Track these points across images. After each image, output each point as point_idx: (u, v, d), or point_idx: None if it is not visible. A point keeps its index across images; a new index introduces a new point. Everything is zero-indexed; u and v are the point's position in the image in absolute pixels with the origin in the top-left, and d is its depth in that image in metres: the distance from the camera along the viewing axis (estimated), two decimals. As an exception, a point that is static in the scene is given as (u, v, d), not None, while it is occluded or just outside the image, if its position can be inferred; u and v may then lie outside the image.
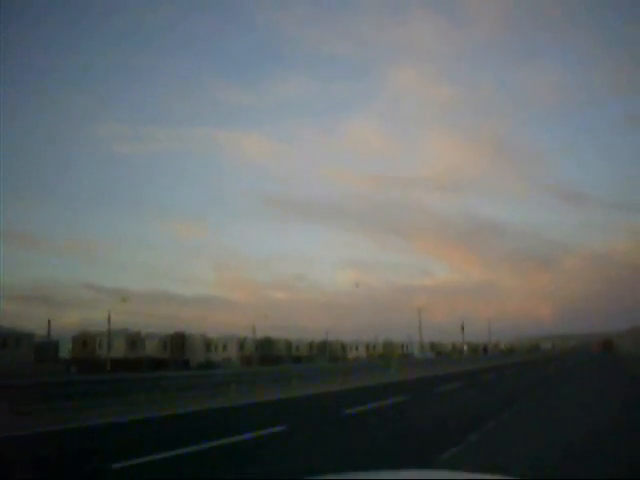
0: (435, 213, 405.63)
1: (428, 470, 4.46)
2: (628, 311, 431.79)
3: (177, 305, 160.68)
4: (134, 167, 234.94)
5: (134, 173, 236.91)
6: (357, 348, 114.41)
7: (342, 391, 25.90)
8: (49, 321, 76.16)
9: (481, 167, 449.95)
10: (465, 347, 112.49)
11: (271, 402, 21.04)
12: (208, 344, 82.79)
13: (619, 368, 44.55)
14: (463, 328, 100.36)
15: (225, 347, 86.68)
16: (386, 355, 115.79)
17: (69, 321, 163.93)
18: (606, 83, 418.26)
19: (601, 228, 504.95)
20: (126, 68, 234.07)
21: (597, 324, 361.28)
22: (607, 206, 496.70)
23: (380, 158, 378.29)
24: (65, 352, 75.73)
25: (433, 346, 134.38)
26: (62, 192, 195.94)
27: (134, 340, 73.92)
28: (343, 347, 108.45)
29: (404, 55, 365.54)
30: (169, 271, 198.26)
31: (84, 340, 76.15)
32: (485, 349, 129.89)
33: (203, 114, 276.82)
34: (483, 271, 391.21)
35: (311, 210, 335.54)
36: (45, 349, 68.43)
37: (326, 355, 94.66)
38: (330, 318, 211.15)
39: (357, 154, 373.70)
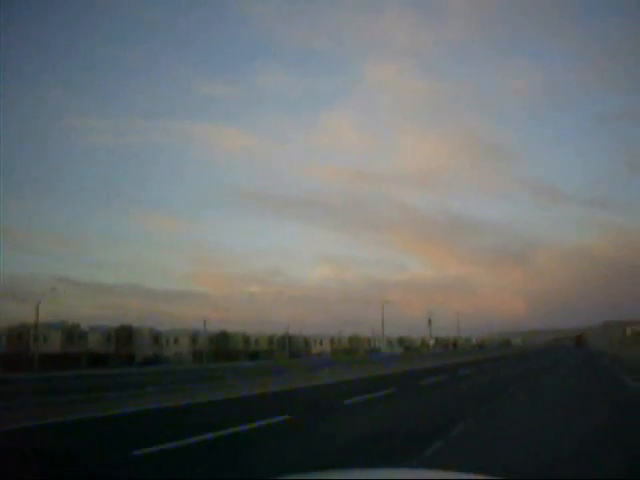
0: (411, 208, 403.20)
1: (398, 469, 3.99)
2: (600, 307, 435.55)
3: (151, 299, 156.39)
4: (110, 160, 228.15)
5: (110, 166, 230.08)
6: (321, 343, 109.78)
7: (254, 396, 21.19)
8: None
9: (457, 163, 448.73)
10: (432, 342, 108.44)
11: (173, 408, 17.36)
12: (157, 338, 77.24)
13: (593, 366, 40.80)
14: (430, 322, 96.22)
15: (177, 341, 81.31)
16: (352, 350, 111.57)
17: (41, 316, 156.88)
18: (580, 81, 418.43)
19: (574, 224, 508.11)
20: (100, 60, 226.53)
21: (569, 320, 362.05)
22: (580, 203, 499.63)
23: (357, 153, 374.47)
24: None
25: (402, 341, 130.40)
26: (35, 185, 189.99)
27: (71, 333, 68.14)
28: (306, 342, 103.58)
29: (381, 50, 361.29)
30: (144, 265, 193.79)
31: (19, 333, 70.16)
32: (454, 344, 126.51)
33: (179, 107, 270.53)
34: (457, 266, 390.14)
35: (288, 204, 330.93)
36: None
37: (286, 350, 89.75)
38: (304, 312, 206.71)
39: (334, 149, 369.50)
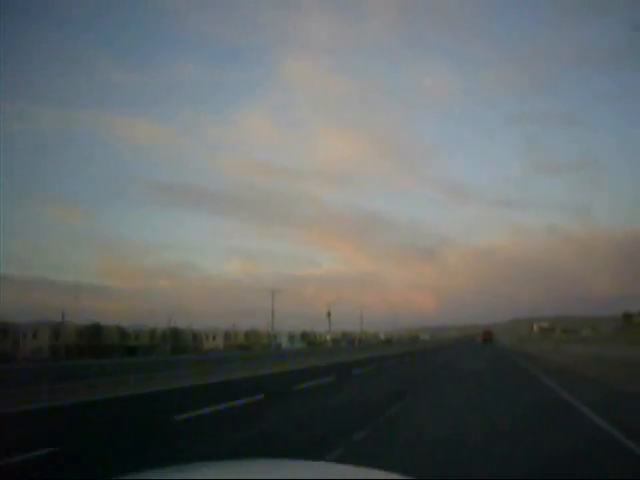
0: (324, 204, 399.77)
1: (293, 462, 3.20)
2: (508, 303, 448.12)
3: (57, 292, 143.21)
4: (11, 147, 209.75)
5: (10, 153, 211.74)
6: (214, 337, 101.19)
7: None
8: None
9: (371, 161, 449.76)
10: (328, 337, 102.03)
11: None
12: (4, 331, 66.36)
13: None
14: (330, 315, 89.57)
15: (35, 335, 70.62)
16: (248, 345, 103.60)
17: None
18: (492, 84, 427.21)
19: (482, 223, 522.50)
20: (6, 43, 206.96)
21: (478, 316, 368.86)
22: (488, 202, 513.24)
23: (271, 148, 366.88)
24: None
25: (305, 336, 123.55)
26: None
27: None
28: (195, 336, 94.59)
29: (299, 46, 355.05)
30: (50, 257, 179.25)
31: None
32: (359, 340, 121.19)
33: (88, 95, 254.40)
34: (369, 262, 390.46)
35: (199, 197, 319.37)
36: None
37: (167, 345, 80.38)
38: (211, 306, 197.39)
39: (248, 143, 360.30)
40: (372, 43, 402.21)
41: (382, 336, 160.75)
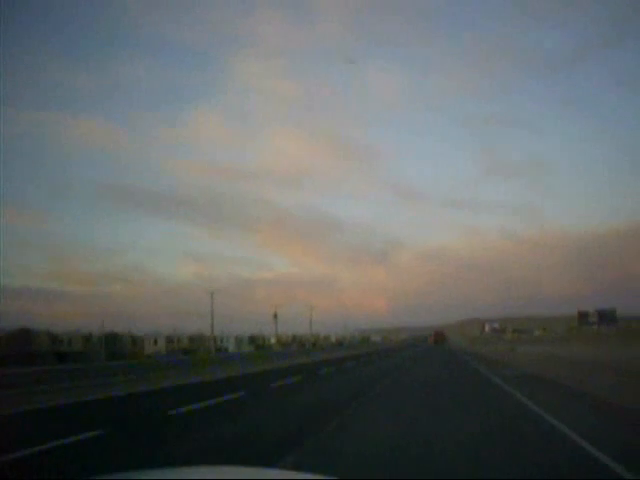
0: (277, 207, 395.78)
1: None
2: (459, 304, 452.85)
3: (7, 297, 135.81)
4: None
5: None
6: (156, 342, 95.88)
7: None
8: None
9: (323, 163, 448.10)
10: (273, 340, 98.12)
11: None
12: None
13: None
14: (276, 316, 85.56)
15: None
16: (192, 349, 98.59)
17: None
18: (446, 86, 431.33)
19: (435, 225, 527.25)
20: None
21: (430, 317, 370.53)
22: (441, 204, 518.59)
23: (223, 150, 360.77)
24: None
25: (253, 339, 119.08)
26: None
27: None
28: (134, 341, 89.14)
29: (251, 48, 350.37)
30: None
31: None
32: (314, 343, 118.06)
33: (36, 96, 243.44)
34: (322, 265, 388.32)
35: (152, 200, 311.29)
36: None
37: (102, 351, 74.87)
38: (163, 309, 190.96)
39: (200, 145, 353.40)
40: (324, 45, 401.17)
41: (333, 339, 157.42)
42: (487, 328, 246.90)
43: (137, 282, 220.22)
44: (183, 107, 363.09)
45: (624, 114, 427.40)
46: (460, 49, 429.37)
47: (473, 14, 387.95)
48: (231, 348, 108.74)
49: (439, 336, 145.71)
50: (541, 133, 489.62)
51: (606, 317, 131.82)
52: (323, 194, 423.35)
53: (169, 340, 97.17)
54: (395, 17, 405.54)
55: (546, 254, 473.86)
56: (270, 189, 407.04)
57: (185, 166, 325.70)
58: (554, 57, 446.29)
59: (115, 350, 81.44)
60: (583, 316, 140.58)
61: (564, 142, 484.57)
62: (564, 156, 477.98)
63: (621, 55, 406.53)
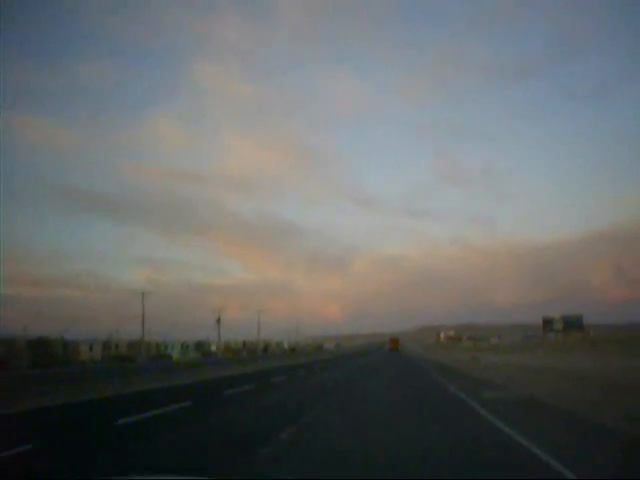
0: (233, 212, 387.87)
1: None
2: (415, 312, 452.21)
3: None
4: None
5: None
6: (91, 348, 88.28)
7: None
8: None
9: (280, 169, 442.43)
10: (214, 347, 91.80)
11: None
12: None
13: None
14: (219, 322, 79.25)
15: None
16: (130, 356, 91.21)
17: None
18: (404, 94, 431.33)
19: (391, 233, 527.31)
20: None
21: (385, 324, 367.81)
22: (398, 212, 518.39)
23: (178, 154, 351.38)
24: None
25: (200, 345, 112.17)
26: None
27: None
28: (65, 346, 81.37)
29: (209, 51, 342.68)
30: None
31: None
32: (244, 348, 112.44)
33: None
34: (278, 271, 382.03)
35: (105, 204, 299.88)
36: None
37: (23, 357, 67.05)
38: (117, 317, 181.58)
39: (154, 148, 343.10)
40: (283, 48, 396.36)
41: (286, 345, 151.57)
42: (442, 336, 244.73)
43: (85, 286, 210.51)
44: (140, 109, 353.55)
45: (573, 125, 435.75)
46: (415, 59, 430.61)
47: (429, 26, 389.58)
48: (176, 355, 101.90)
49: (394, 343, 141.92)
50: (496, 143, 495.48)
51: (572, 324, 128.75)
52: (280, 200, 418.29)
53: (106, 346, 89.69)
54: (352, 25, 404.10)
55: (500, 262, 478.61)
56: (226, 194, 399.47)
57: (139, 169, 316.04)
58: (507, 70, 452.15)
59: (40, 357, 73.64)
60: (548, 323, 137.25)
61: (519, 153, 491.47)
62: (518, 166, 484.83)
63: (570, 69, 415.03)
